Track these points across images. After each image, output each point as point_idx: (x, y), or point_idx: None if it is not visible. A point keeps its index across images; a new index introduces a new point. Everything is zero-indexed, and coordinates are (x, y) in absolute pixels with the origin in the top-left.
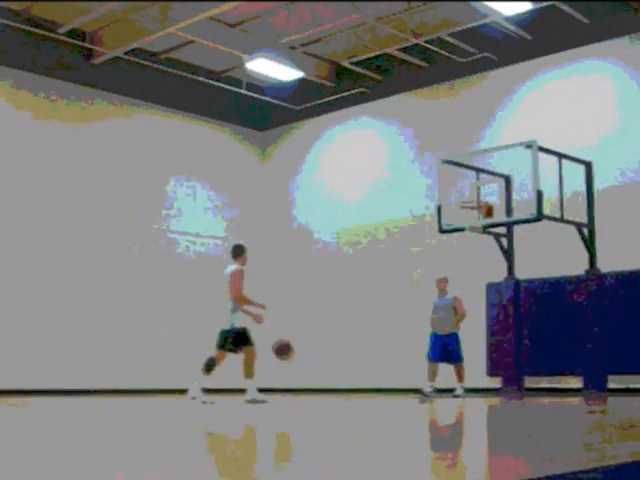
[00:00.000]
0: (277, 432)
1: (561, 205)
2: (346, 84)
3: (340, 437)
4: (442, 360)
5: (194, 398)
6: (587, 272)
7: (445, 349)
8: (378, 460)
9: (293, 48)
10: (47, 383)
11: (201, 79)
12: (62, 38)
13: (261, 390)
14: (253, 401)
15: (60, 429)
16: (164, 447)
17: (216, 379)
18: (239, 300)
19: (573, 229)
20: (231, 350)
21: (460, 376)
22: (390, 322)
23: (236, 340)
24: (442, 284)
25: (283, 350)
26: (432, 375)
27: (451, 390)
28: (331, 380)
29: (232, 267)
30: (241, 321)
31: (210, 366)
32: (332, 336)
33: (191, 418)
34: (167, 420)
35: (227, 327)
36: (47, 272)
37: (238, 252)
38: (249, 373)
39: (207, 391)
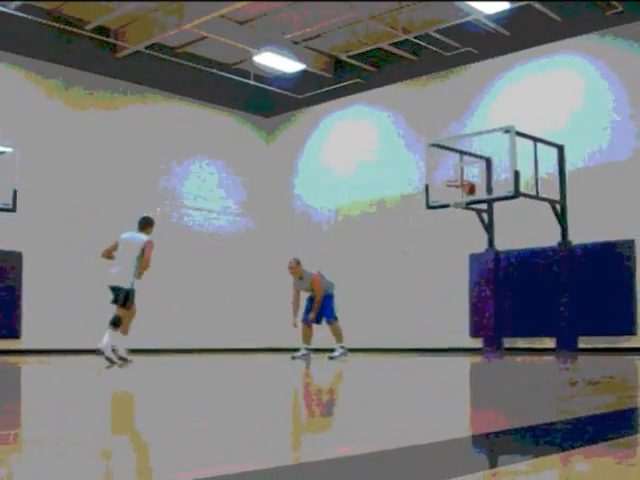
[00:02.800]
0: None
1: (536, 184)
2: (343, 75)
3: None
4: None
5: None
6: (559, 244)
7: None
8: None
9: (296, 43)
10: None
11: (213, 71)
12: (89, 34)
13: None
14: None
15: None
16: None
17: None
18: (148, 267)
19: (547, 205)
20: (126, 307)
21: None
22: (382, 288)
23: (128, 298)
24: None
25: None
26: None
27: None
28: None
29: (144, 237)
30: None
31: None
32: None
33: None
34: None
35: (128, 286)
36: (72, 245)
37: (148, 224)
38: (126, 330)
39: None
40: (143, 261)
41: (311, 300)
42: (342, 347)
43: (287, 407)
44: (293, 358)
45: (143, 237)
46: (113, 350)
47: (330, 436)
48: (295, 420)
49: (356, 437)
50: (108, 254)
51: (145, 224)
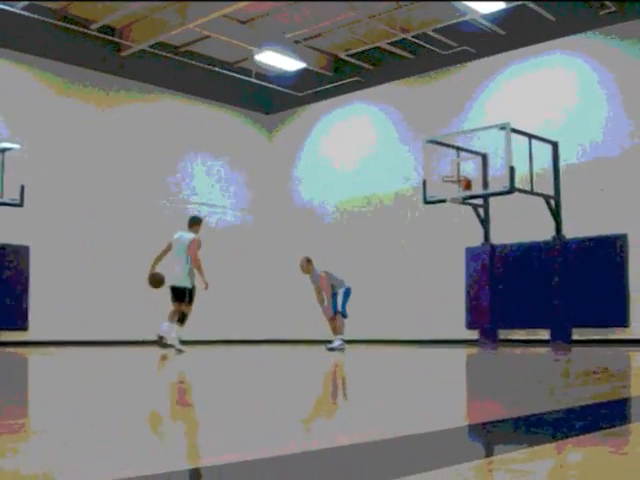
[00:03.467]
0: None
1: (531, 179)
2: (343, 73)
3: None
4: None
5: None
6: (553, 238)
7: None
8: (362, 402)
9: (296, 42)
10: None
11: (216, 69)
12: (94, 33)
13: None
14: (179, 350)
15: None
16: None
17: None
18: (196, 264)
19: (541, 200)
20: (188, 303)
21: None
22: (381, 281)
23: (191, 295)
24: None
25: (153, 282)
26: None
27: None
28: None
29: (191, 235)
30: (193, 280)
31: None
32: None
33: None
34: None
35: (189, 285)
36: (77, 239)
37: (195, 223)
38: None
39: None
40: (191, 259)
41: (334, 295)
42: (341, 339)
43: (285, 397)
44: (330, 349)
45: (190, 235)
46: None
47: (329, 425)
48: (294, 409)
49: (354, 426)
50: (159, 259)
51: (192, 223)
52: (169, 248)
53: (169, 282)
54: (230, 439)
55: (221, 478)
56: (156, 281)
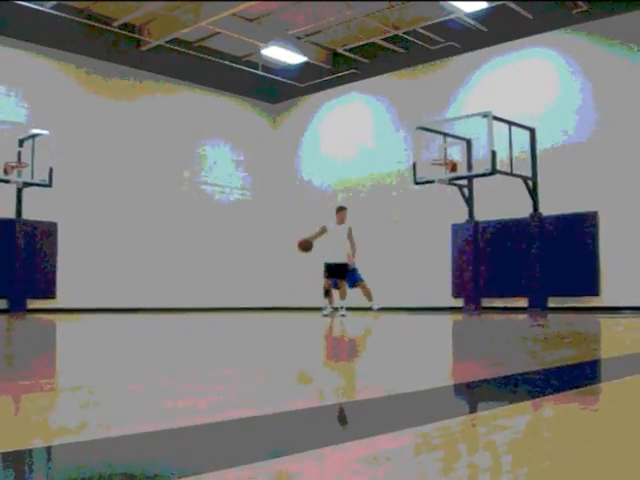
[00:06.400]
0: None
1: (510, 162)
2: (341, 66)
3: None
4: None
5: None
6: (531, 215)
7: None
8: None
9: (299, 38)
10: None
11: (226, 62)
12: (116, 30)
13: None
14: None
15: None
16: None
17: None
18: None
19: (520, 181)
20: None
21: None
22: (376, 255)
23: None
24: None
25: (304, 246)
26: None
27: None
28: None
29: (346, 225)
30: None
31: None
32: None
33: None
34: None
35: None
36: (101, 215)
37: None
38: (344, 295)
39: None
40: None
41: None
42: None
43: (278, 360)
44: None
45: (346, 226)
46: (334, 308)
47: (319, 385)
48: (287, 371)
49: (345, 386)
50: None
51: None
52: (323, 231)
53: (332, 260)
54: (228, 398)
55: (215, 435)
56: (308, 246)
